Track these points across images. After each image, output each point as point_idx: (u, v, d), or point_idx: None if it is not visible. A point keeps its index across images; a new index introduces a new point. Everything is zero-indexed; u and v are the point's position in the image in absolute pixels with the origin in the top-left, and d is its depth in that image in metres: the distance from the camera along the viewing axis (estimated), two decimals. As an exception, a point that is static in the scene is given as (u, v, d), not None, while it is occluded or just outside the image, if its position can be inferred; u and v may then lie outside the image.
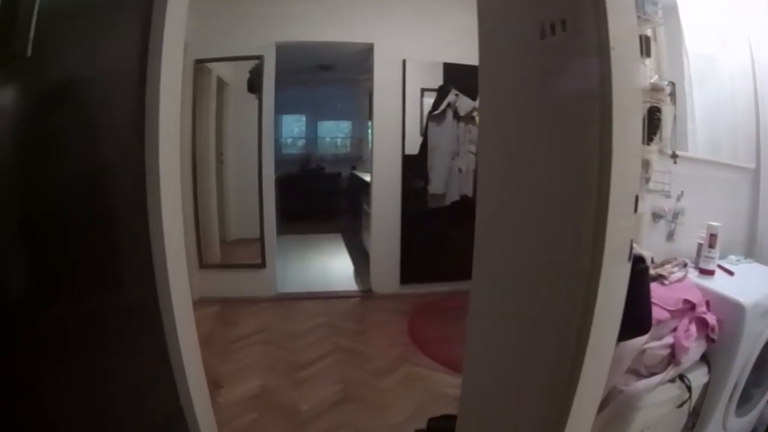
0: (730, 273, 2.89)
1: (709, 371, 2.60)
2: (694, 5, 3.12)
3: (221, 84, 6.07)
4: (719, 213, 3.07)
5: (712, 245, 2.85)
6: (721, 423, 2.73)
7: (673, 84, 2.76)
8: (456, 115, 5.85)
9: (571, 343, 1.53)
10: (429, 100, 6.04)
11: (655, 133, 2.66)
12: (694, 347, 2.39)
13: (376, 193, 6.22)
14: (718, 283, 2.73)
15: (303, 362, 4.37)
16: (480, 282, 2.20)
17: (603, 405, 2.10)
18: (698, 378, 2.53)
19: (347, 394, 3.81)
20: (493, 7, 2.06)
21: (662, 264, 2.72)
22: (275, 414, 3.51)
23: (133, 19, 1.83)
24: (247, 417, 3.45)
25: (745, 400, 2.81)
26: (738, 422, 2.83)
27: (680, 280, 2.63)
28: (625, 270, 1.60)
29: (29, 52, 1.36)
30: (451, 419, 2.53)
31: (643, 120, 2.52)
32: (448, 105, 5.83)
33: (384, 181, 6.16)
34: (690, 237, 2.96)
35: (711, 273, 2.84)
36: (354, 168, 11.16)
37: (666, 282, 2.56)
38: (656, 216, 2.84)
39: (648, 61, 2.65)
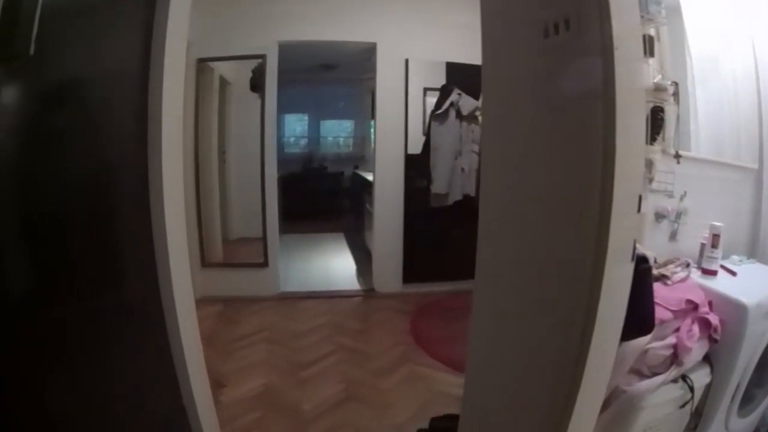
0: (733, 273, 2.89)
1: (712, 372, 2.59)
2: (696, 5, 3.12)
3: (224, 83, 6.07)
4: (722, 213, 3.07)
5: (714, 245, 2.85)
6: (724, 423, 2.73)
7: (676, 84, 2.75)
8: (459, 115, 5.84)
9: (574, 343, 1.52)
10: (432, 100, 6.04)
11: (658, 133, 2.66)
12: (696, 347, 2.39)
13: (378, 192, 6.23)
14: (721, 284, 2.72)
15: (305, 361, 4.37)
16: (483, 282, 2.19)
17: (605, 405, 2.10)
18: (701, 378, 2.53)
19: (349, 393, 3.81)
20: (496, 6, 2.06)
21: (665, 264, 2.72)
22: (277, 413, 3.51)
23: (136, 18, 1.83)
24: (250, 416, 3.45)
25: (747, 400, 2.81)
26: (740, 423, 2.83)
27: (683, 280, 2.62)
28: (628, 270, 1.60)
29: (32, 51, 1.36)
30: (453, 419, 2.53)
31: (647, 120, 2.52)
32: (451, 104, 5.83)
33: (387, 180, 6.17)
34: (693, 237, 2.96)
35: (714, 273, 2.84)
36: (356, 167, 11.17)
37: (669, 282, 2.55)
38: (659, 216, 2.84)
39: (651, 61, 2.65)
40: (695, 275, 2.79)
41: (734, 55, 3.45)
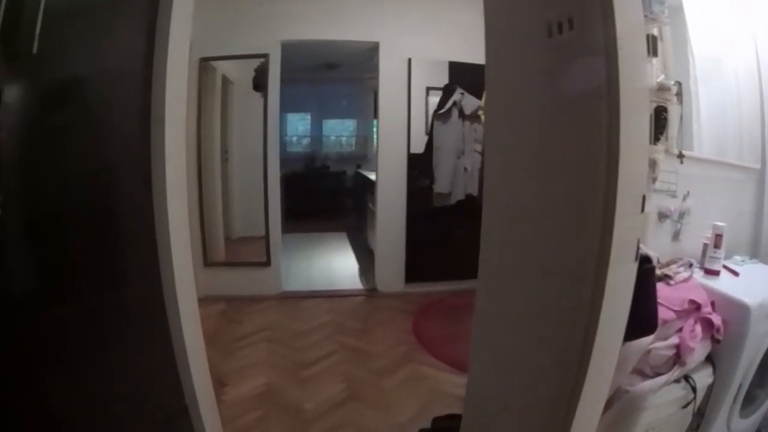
0: (735, 273, 2.89)
1: (714, 372, 2.59)
2: (699, 5, 3.11)
3: (226, 82, 6.07)
4: (724, 213, 3.07)
5: (717, 245, 2.84)
6: (726, 424, 2.73)
7: (679, 83, 2.75)
8: (461, 114, 5.85)
9: (577, 343, 1.52)
10: (434, 99, 6.05)
11: (661, 133, 2.65)
12: (699, 348, 2.38)
13: (381, 191, 6.22)
14: (724, 284, 2.72)
15: (307, 361, 4.37)
16: (486, 281, 2.19)
17: (608, 405, 2.10)
18: (703, 379, 2.53)
19: (351, 392, 3.81)
20: (499, 5, 2.06)
21: (668, 264, 2.72)
22: (279, 412, 3.51)
23: (139, 17, 1.83)
24: (252, 415, 3.45)
25: (749, 401, 2.81)
26: (742, 423, 2.82)
27: (686, 280, 2.62)
28: (631, 270, 1.59)
29: (35, 50, 1.36)
30: (455, 419, 2.53)
31: (650, 119, 2.52)
32: (454, 104, 5.83)
33: (389, 179, 6.16)
34: (695, 237, 2.95)
35: (716, 273, 2.84)
36: (359, 166, 11.20)
37: (672, 282, 2.55)
38: (662, 216, 2.84)
39: (655, 60, 2.64)
40: (698, 275, 2.79)
41: (737, 55, 3.44)
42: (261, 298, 5.91)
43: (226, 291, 5.87)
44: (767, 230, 3.54)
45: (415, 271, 6.31)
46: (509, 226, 2.04)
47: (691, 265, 2.77)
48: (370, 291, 6.33)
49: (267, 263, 6.09)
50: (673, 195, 2.82)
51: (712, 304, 2.53)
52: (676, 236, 2.93)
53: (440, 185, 5.94)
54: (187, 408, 2.05)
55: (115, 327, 1.78)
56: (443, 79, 6.05)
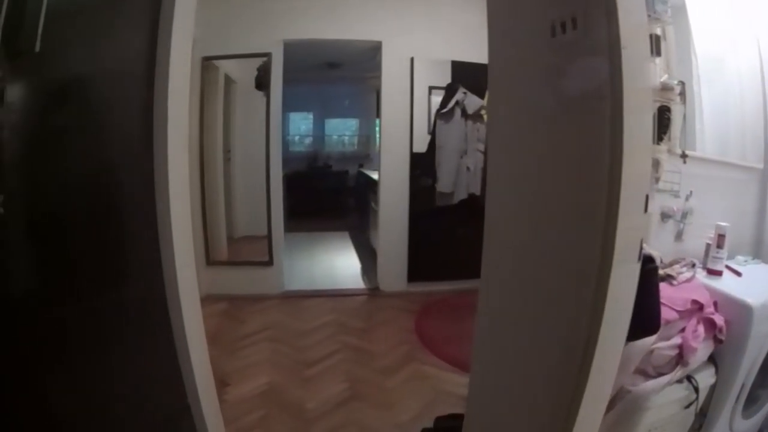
0: (738, 273, 2.89)
1: (716, 372, 2.59)
2: (702, 5, 3.11)
3: (229, 81, 6.08)
4: (727, 213, 3.06)
5: (720, 245, 2.84)
6: (728, 424, 2.73)
7: (682, 83, 2.75)
8: (464, 114, 5.85)
9: (580, 343, 1.52)
10: (437, 98, 6.05)
11: (665, 133, 2.65)
12: (701, 348, 2.38)
13: (383, 191, 6.22)
14: (726, 284, 2.72)
15: (310, 360, 4.37)
16: (488, 281, 2.19)
17: (610, 405, 2.09)
18: (705, 379, 2.53)
19: (354, 392, 3.81)
20: (503, 4, 2.06)
21: (671, 264, 2.72)
22: (282, 412, 3.52)
23: (142, 15, 1.83)
24: (254, 414, 3.45)
25: (751, 401, 2.81)
26: (744, 424, 2.82)
27: (688, 280, 2.62)
28: (634, 270, 1.59)
29: (38, 48, 1.35)
30: (458, 418, 2.53)
31: (653, 119, 2.51)
32: (456, 103, 5.84)
33: (392, 179, 6.15)
34: (698, 237, 2.95)
35: (719, 273, 2.83)
36: (361, 166, 11.21)
37: (674, 282, 2.55)
38: (665, 216, 2.84)
39: (658, 60, 2.64)
40: (700, 275, 2.79)
41: (739, 55, 3.44)
42: (263, 297, 5.92)
43: (228, 290, 5.87)
44: (770, 230, 3.54)
45: (417, 270, 6.31)
46: (512, 226, 2.04)
47: (693, 265, 2.77)
48: (373, 290, 6.33)
49: (269, 262, 6.09)
50: (676, 195, 2.82)
51: (715, 304, 2.53)
52: (678, 236, 2.93)
53: (443, 185, 5.95)
54: (189, 407, 2.05)
55: (119, 326, 1.78)
56: (446, 79, 6.05)
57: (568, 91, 1.64)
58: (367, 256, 7.53)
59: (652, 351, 2.26)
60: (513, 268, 2.02)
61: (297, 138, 12.39)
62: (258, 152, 5.85)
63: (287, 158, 6.50)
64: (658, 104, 2.60)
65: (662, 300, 2.09)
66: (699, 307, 2.42)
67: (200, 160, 5.72)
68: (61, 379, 1.55)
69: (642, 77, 1.51)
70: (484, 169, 5.10)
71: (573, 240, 1.63)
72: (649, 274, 1.82)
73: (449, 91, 5.93)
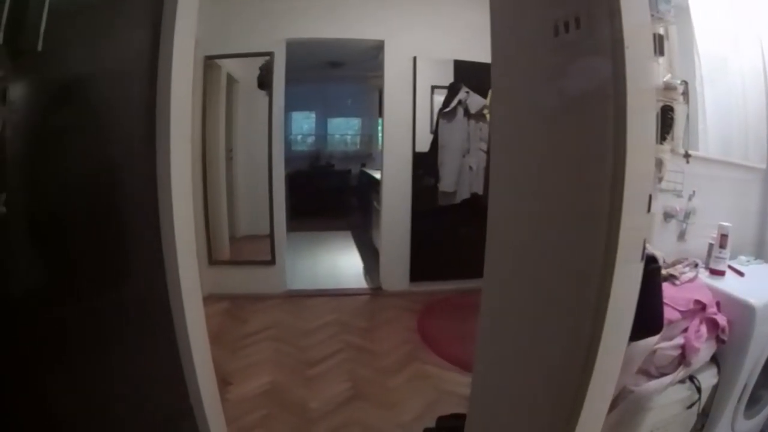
0: (741, 274, 2.89)
1: (719, 372, 2.59)
2: (705, 5, 3.11)
3: (231, 80, 6.07)
4: (730, 213, 3.06)
5: (722, 245, 2.84)
6: (730, 424, 2.73)
7: (686, 83, 2.75)
8: (467, 113, 5.85)
9: (583, 343, 1.52)
10: (439, 98, 6.04)
11: (668, 132, 2.65)
12: (704, 348, 2.38)
13: (386, 190, 6.21)
14: (729, 284, 2.72)
15: (312, 359, 4.37)
16: (491, 280, 2.19)
17: (613, 405, 2.09)
18: (708, 379, 2.53)
19: (356, 391, 3.81)
20: (506, 3, 2.05)
21: (673, 264, 2.71)
22: (284, 411, 3.52)
23: (144, 15, 1.83)
24: (256, 414, 3.45)
25: (753, 402, 2.81)
26: (746, 424, 2.82)
27: (691, 280, 2.62)
28: (637, 270, 1.59)
29: (40, 47, 1.36)
30: (460, 418, 2.53)
31: (657, 119, 2.51)
32: (459, 102, 5.83)
33: (394, 178, 6.15)
34: (701, 237, 2.95)
35: (721, 273, 2.83)
36: (364, 165, 11.21)
37: (677, 282, 2.55)
38: (668, 216, 2.83)
39: (661, 60, 2.64)
40: (703, 275, 2.79)
41: (742, 55, 3.44)
42: (266, 296, 5.92)
43: (230, 289, 5.88)
44: (773, 230, 3.54)
45: (420, 270, 6.31)
46: (515, 225, 2.03)
47: (696, 266, 2.76)
48: (375, 290, 6.33)
49: (272, 262, 6.10)
50: (679, 195, 2.81)
51: (718, 304, 2.52)
52: (681, 236, 2.93)
53: (445, 184, 5.95)
54: (191, 407, 2.05)
55: (120, 326, 1.78)
56: (448, 78, 6.04)
57: (571, 90, 1.64)
58: (370, 255, 7.52)
59: (654, 351, 2.25)
60: (515, 268, 2.02)
61: (299, 137, 12.39)
62: (260, 151, 5.85)
63: (289, 157, 6.50)
64: (661, 104, 2.60)
65: (665, 300, 2.09)
66: (701, 307, 2.42)
67: (202, 159, 5.72)
68: (62, 379, 1.56)
69: (645, 77, 1.51)
70: (487, 169, 5.09)
71: (576, 240, 1.63)
72: (652, 274, 1.82)
73: (452, 90, 5.93)
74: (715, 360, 2.58)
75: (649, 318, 1.88)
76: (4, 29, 1.25)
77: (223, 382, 3.73)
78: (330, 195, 11.39)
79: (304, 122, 12.38)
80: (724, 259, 2.84)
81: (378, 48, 6.10)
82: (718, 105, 3.32)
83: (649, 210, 1.54)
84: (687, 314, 2.36)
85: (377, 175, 6.82)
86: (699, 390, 2.43)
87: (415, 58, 5.95)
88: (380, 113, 6.58)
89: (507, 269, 2.09)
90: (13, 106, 1.33)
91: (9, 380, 1.36)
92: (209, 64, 5.71)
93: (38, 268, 1.50)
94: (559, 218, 1.72)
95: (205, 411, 2.08)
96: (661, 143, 2.61)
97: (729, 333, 2.48)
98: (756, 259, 3.18)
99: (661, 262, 2.06)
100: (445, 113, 5.89)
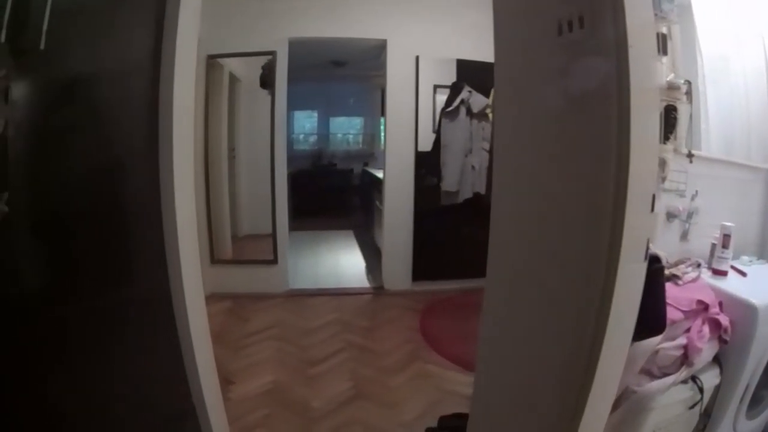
0: (743, 274, 2.88)
1: (721, 373, 2.59)
2: (707, 4, 3.10)
3: (233, 80, 6.08)
4: (732, 213, 3.05)
5: (725, 245, 2.84)
6: (732, 425, 2.72)
7: (689, 82, 2.74)
8: (469, 112, 5.85)
9: (586, 343, 1.52)
10: (442, 97, 6.04)
11: (671, 132, 2.64)
12: (706, 348, 2.38)
13: (388, 189, 6.22)
14: (731, 284, 2.71)
15: (314, 359, 4.38)
16: (494, 280, 2.19)
17: (615, 405, 2.09)
18: (710, 379, 2.52)
19: (358, 391, 3.81)
20: (509, 3, 2.05)
21: (676, 264, 2.71)
22: (286, 410, 3.51)
23: (147, 14, 1.83)
24: (258, 413, 3.45)
25: (756, 402, 2.80)
26: (748, 424, 2.82)
27: (694, 280, 2.62)
28: (641, 270, 1.59)
29: (42, 46, 1.35)
30: (462, 418, 2.53)
31: (660, 118, 2.51)
32: (462, 102, 5.83)
33: (396, 177, 6.15)
34: (703, 237, 2.95)
35: (724, 273, 2.83)
36: (366, 164, 11.20)
37: (680, 282, 2.55)
38: (670, 215, 2.83)
39: (664, 59, 2.63)
40: (706, 275, 2.78)
41: (745, 55, 3.43)
42: (268, 295, 5.93)
43: (232, 289, 5.89)
44: (775, 231, 3.54)
45: (422, 269, 6.31)
46: (517, 225, 2.03)
47: (699, 266, 2.76)
48: (377, 289, 6.33)
49: (274, 261, 6.10)
50: (682, 195, 2.81)
51: (720, 304, 2.52)
52: (684, 236, 2.92)
53: (448, 183, 5.94)
54: (194, 406, 2.05)
55: (123, 325, 1.78)
56: (451, 77, 6.04)
57: (574, 90, 1.63)
58: (372, 254, 7.52)
59: (657, 351, 2.25)
60: (518, 268, 2.02)
61: (302, 136, 12.40)
62: (263, 151, 5.85)
63: (292, 157, 6.52)
64: (664, 103, 2.59)
65: (668, 300, 2.09)
66: (704, 307, 2.42)
67: (205, 158, 5.73)
68: (64, 378, 1.56)
69: (649, 76, 1.50)
70: (489, 168, 5.09)
71: (579, 239, 1.62)
72: (655, 274, 1.81)
73: (454, 89, 5.93)
74: (717, 360, 2.58)
75: (651, 318, 1.87)
76: (6, 28, 1.25)
77: (226, 381, 3.73)
78: (332, 194, 11.40)
79: (306, 121, 12.39)
80: (726, 259, 2.84)
81: (381, 47, 6.10)
82: (720, 105, 3.32)
83: (652, 210, 1.54)
84: (689, 314, 2.36)
85: (379, 174, 6.83)
86: (701, 390, 2.43)
87: (417, 58, 5.95)
88: (383, 112, 6.59)
89: (509, 269, 2.09)
90: (16, 105, 1.33)
91: (10, 380, 1.36)
92: (212, 63, 5.71)
93: (40, 268, 1.50)
94: (562, 218, 1.72)
95: (207, 411, 2.08)
96: (664, 143, 2.60)
97: (731, 333, 2.48)
98: (759, 259, 3.17)
99: (664, 262, 2.06)
100: (448, 112, 5.89)
